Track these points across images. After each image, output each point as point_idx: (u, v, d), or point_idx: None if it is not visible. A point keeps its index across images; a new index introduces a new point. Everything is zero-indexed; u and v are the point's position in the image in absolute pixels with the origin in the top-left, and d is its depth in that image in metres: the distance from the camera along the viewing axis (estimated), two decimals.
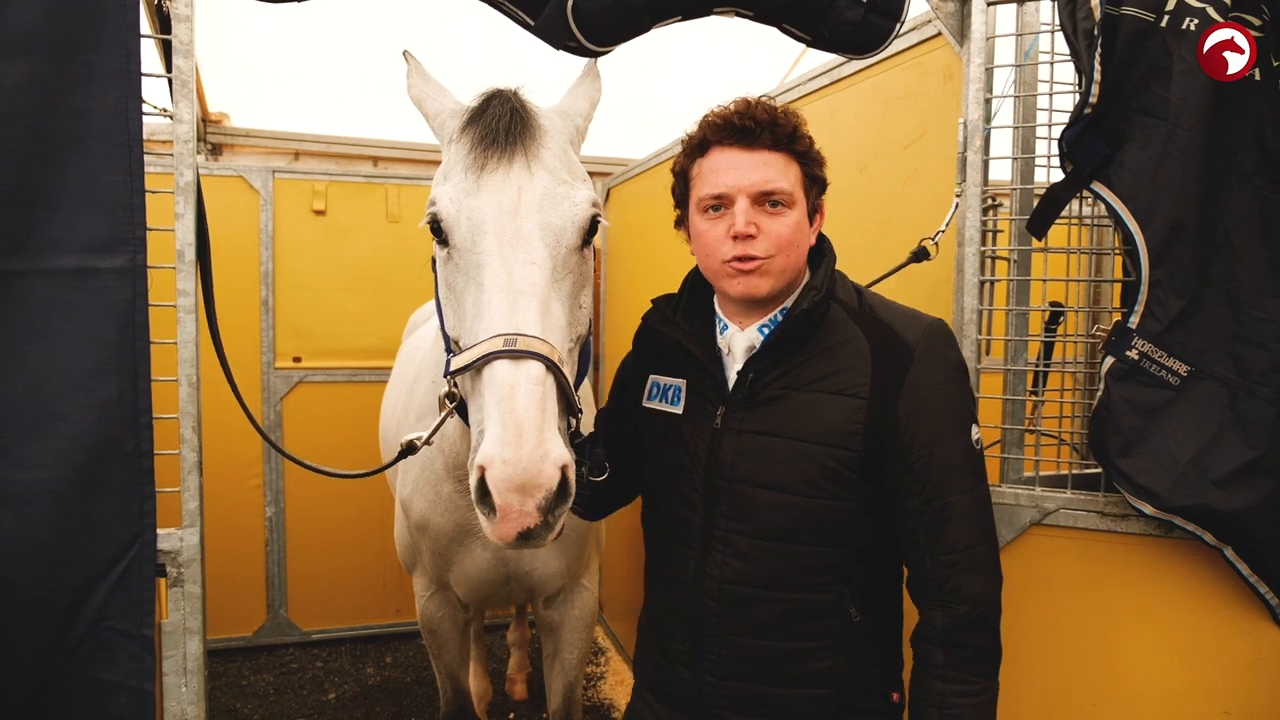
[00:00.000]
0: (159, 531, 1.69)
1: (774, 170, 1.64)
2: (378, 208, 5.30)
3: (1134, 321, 1.83)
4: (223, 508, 4.98)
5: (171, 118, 1.82)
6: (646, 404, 1.88)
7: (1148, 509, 1.82)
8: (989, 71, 2.11)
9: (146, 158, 1.67)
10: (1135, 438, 1.83)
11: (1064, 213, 2.00)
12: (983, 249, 2.13)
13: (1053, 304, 2.27)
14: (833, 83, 2.93)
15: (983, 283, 2.14)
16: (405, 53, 2.01)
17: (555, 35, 1.83)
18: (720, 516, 1.70)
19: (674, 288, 1.95)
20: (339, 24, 4.86)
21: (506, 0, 1.82)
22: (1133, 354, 1.83)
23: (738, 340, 1.75)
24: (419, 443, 1.90)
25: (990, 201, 2.16)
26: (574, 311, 1.73)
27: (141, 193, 1.64)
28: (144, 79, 1.66)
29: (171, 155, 1.78)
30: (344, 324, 5.29)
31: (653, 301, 1.93)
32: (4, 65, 1.54)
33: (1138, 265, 1.82)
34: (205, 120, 5.25)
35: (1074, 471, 2.11)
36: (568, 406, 1.62)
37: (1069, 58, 1.96)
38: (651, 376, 1.89)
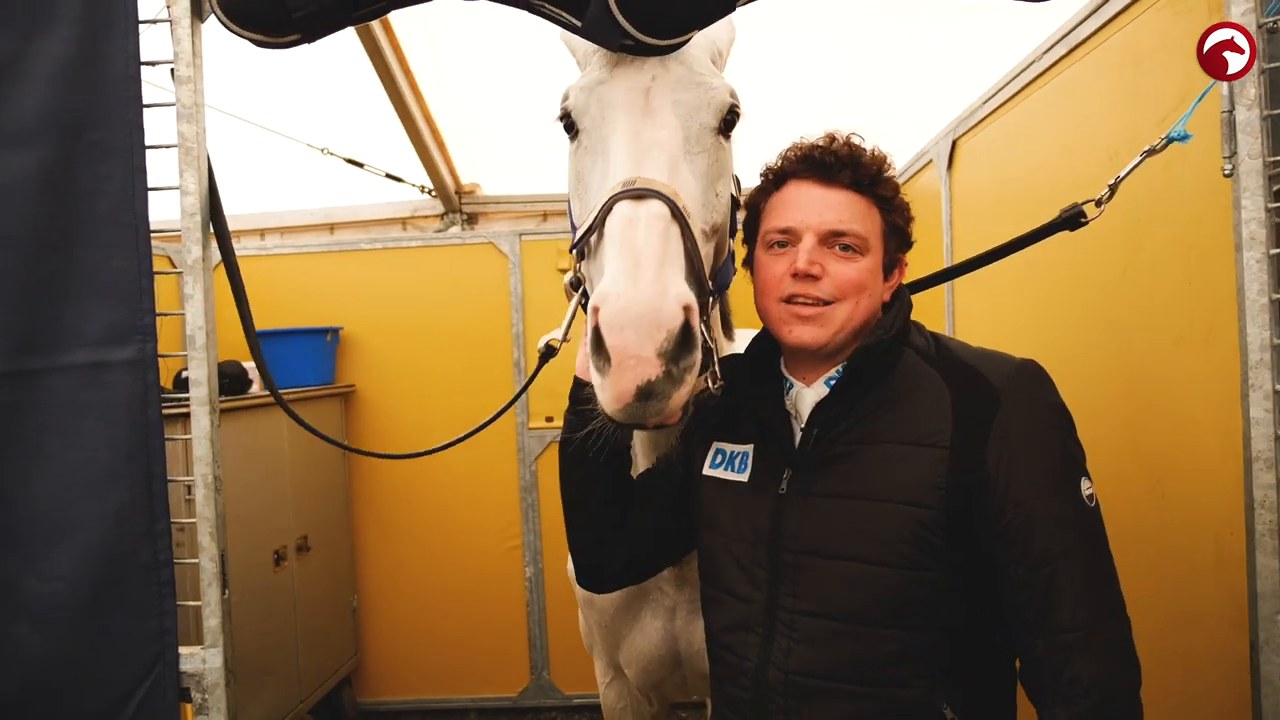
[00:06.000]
0: (180, 651, 1.50)
1: (849, 212, 1.51)
2: None
3: None
4: (483, 569, 5.07)
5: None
6: (709, 472, 1.68)
7: None
8: None
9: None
10: None
11: None
12: (1277, 251, 1.40)
13: None
14: (1070, 51, 2.24)
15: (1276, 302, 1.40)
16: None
17: (606, 34, 1.47)
18: (785, 595, 1.50)
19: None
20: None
21: (547, 4, 1.48)
22: None
23: (804, 398, 1.57)
24: (556, 343, 1.77)
25: None
26: (708, 194, 1.60)
27: (150, 276, 1.50)
28: (149, 151, 1.51)
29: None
30: None
31: (719, 361, 1.68)
32: (15, 154, 1.47)
33: None
34: (459, 192, 5.46)
35: None
36: (696, 285, 1.44)
37: None
38: (715, 443, 1.70)
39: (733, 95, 1.65)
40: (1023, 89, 2.57)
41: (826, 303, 1.49)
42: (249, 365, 4.07)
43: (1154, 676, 1.44)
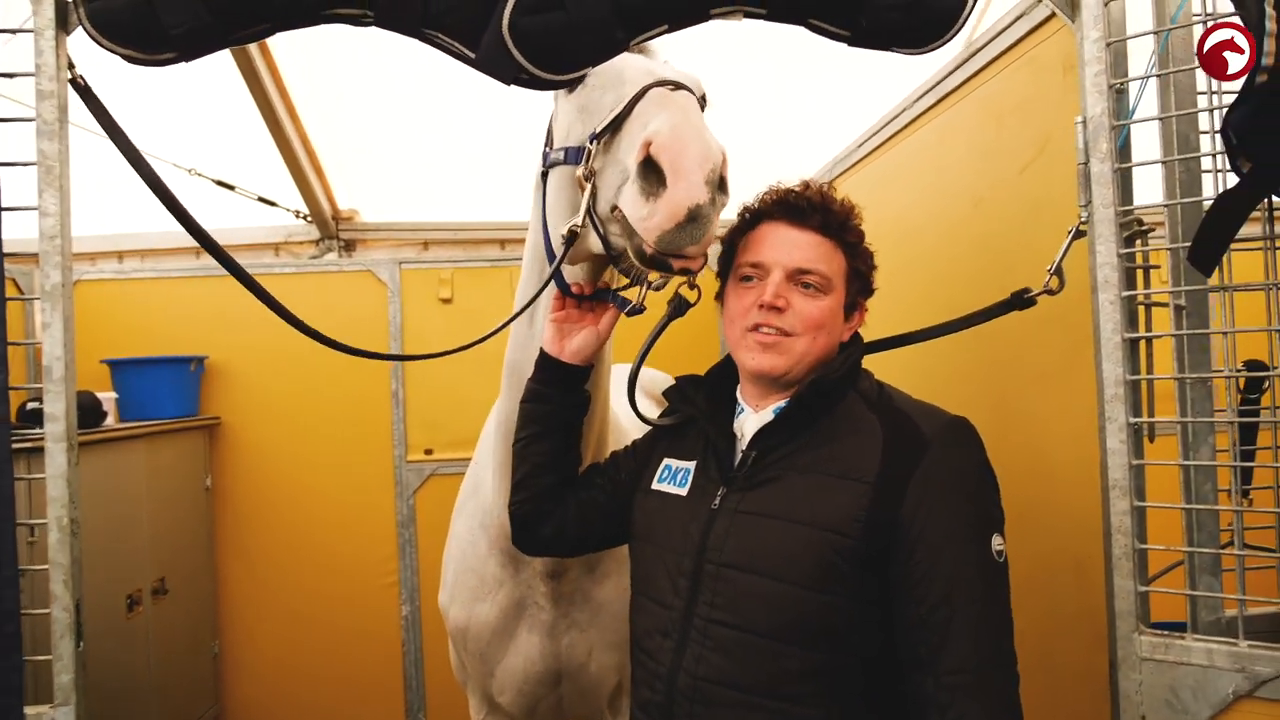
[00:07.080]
0: (27, 711, 1.38)
1: (816, 253, 1.60)
2: (504, 291, 5.08)
3: None
4: (357, 608, 4.87)
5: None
6: (655, 486, 1.76)
7: None
8: (1114, 49, 1.51)
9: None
10: None
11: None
12: (1128, 294, 1.51)
13: (1248, 364, 1.59)
14: (940, 100, 2.38)
15: (1131, 341, 1.51)
16: None
17: (500, 68, 1.46)
18: (702, 604, 1.56)
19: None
20: (456, 111, 4.79)
21: (441, 34, 1.46)
22: None
23: (749, 423, 1.64)
24: (577, 228, 1.64)
25: (1137, 226, 1.55)
26: None
27: (1, 302, 1.38)
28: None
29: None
30: (474, 412, 5.02)
31: (676, 379, 1.83)
32: None
33: None
34: (336, 218, 5.31)
35: None
36: None
37: (1233, 13, 1.37)
38: (665, 459, 1.78)
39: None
40: (895, 134, 2.71)
41: (787, 334, 1.57)
42: (104, 395, 3.81)
43: (1023, 698, 1.51)
